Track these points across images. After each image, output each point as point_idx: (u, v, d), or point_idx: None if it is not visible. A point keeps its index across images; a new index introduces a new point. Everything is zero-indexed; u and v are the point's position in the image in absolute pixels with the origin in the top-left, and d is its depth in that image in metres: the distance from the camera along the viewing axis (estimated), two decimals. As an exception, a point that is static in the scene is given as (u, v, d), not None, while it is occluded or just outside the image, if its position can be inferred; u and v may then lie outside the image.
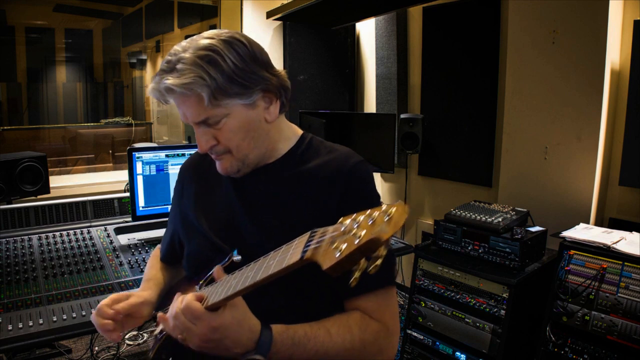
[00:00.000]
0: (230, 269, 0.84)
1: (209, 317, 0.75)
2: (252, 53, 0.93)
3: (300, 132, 1.08)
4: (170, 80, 0.87)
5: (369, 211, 0.56)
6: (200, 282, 0.93)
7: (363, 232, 0.53)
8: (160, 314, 0.87)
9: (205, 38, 0.91)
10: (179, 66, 0.88)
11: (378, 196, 1.01)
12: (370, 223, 0.54)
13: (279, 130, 1.03)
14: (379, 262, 0.55)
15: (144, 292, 1.08)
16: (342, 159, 0.99)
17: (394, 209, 0.54)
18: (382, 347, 0.92)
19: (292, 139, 1.05)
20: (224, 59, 0.88)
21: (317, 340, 0.85)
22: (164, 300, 1.08)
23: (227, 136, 0.93)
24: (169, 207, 1.29)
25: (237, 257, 0.88)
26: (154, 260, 1.26)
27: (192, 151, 2.03)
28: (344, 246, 0.54)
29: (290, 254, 0.64)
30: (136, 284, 1.70)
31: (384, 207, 0.55)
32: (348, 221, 0.58)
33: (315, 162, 1.00)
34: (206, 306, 0.76)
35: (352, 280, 0.56)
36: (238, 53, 0.90)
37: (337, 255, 0.54)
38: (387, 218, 0.53)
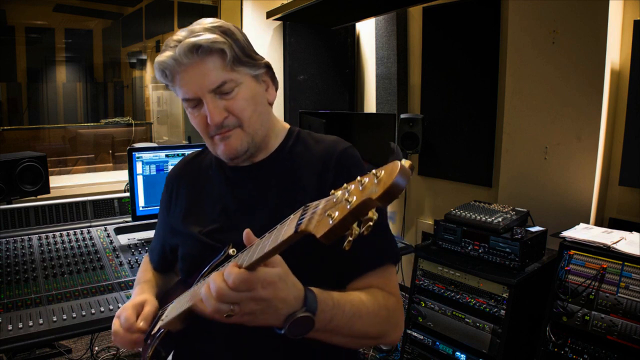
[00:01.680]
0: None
1: (257, 275, 0.69)
2: (248, 39, 1.00)
3: (287, 126, 1.10)
4: (193, 39, 0.88)
5: (358, 178, 0.57)
6: (196, 282, 0.93)
7: (354, 198, 0.54)
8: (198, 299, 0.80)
9: (209, 19, 0.96)
10: (195, 35, 0.89)
11: None
12: (360, 189, 0.55)
13: (274, 121, 1.06)
14: (370, 223, 0.55)
15: (148, 296, 1.06)
16: (330, 147, 1.00)
17: (382, 171, 0.53)
18: (398, 318, 0.94)
19: (281, 133, 1.07)
20: (234, 31, 0.94)
21: (353, 304, 0.84)
22: (160, 303, 1.07)
23: (240, 105, 0.94)
24: None
25: (232, 250, 0.87)
26: (146, 265, 1.25)
27: (192, 151, 2.04)
28: (336, 213, 0.55)
29: (284, 229, 0.65)
30: (136, 284, 1.70)
31: (373, 170, 0.55)
32: (339, 192, 0.58)
33: (305, 155, 1.02)
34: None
35: (345, 244, 0.56)
36: (242, 32, 0.97)
37: (330, 222, 0.55)
38: (376, 180, 0.53)
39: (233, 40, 0.92)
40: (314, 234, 0.57)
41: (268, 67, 1.00)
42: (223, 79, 0.91)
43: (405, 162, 0.53)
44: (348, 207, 0.54)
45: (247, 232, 0.77)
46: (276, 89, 1.04)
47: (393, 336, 0.92)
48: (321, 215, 0.58)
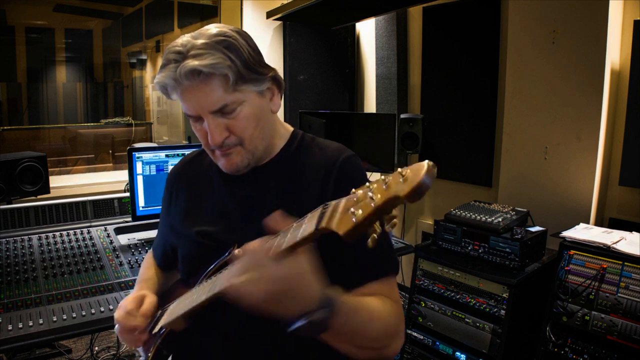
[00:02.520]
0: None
1: (291, 260, 0.67)
2: (256, 46, 0.95)
3: (291, 129, 1.09)
4: (195, 62, 0.84)
5: (382, 177, 0.57)
6: (199, 281, 0.93)
7: (378, 196, 0.54)
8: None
9: (214, 28, 0.91)
10: (195, 52, 0.85)
11: None
12: (384, 187, 0.55)
13: (277, 125, 1.04)
14: (395, 221, 0.56)
15: (147, 292, 1.06)
16: (333, 155, 0.99)
17: (407, 170, 0.53)
18: (399, 328, 0.92)
19: (284, 136, 1.06)
20: (240, 44, 0.89)
21: (367, 308, 0.83)
22: (161, 301, 1.07)
23: (242, 125, 0.92)
24: None
25: (238, 250, 0.87)
26: (148, 262, 1.25)
27: (193, 150, 2.04)
28: (359, 211, 0.55)
29: (303, 227, 0.64)
30: (136, 284, 1.70)
31: (398, 169, 0.56)
32: (361, 191, 0.58)
33: (308, 160, 1.01)
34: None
35: (369, 241, 0.56)
36: (248, 42, 0.92)
37: (353, 220, 0.55)
38: (401, 179, 0.53)
39: (238, 56, 0.88)
40: (336, 232, 0.57)
41: (274, 79, 0.97)
42: (224, 102, 0.88)
43: (430, 162, 0.53)
44: (372, 204, 0.54)
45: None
46: (282, 95, 1.01)
47: (394, 346, 0.90)
48: (343, 213, 0.58)
